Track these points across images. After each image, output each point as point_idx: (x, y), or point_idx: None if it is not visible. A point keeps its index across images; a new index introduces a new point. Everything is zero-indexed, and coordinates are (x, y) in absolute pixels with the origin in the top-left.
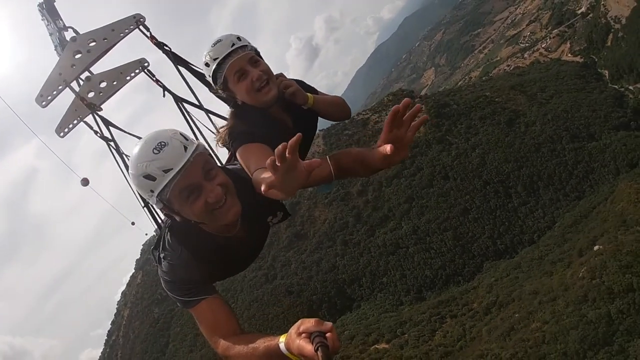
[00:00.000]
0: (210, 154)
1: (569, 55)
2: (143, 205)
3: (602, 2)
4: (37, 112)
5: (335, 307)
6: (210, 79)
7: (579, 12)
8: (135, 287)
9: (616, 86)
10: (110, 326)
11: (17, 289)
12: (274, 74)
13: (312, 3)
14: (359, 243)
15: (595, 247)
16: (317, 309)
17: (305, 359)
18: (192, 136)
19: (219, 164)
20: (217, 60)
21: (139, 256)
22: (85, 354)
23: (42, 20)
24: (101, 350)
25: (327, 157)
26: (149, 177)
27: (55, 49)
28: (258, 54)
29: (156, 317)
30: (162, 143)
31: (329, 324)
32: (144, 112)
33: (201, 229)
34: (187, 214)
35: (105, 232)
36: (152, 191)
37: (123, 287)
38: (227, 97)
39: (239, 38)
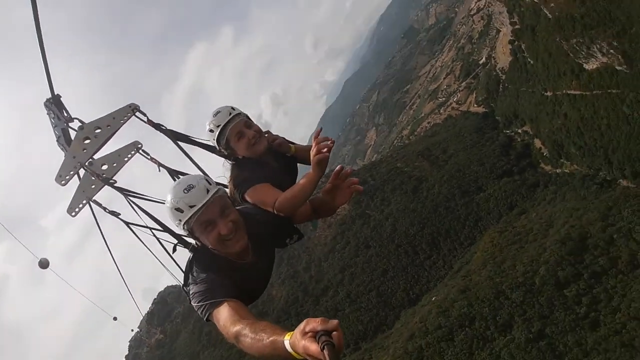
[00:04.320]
0: (227, 197)
1: (475, 106)
2: (176, 241)
3: (492, 55)
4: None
5: None
6: (214, 142)
7: (481, 62)
8: None
9: (508, 131)
10: None
11: None
12: (263, 131)
13: (254, 84)
14: (308, 313)
15: (433, 298)
16: None
17: (311, 358)
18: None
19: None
20: (220, 127)
21: (127, 353)
22: None
23: (47, 114)
24: None
25: (307, 200)
26: (178, 209)
27: (57, 141)
28: (249, 118)
29: None
30: (191, 185)
31: (334, 322)
32: (144, 184)
33: (222, 256)
34: (204, 241)
35: (83, 331)
36: (180, 220)
37: None
38: (229, 154)
39: (233, 108)
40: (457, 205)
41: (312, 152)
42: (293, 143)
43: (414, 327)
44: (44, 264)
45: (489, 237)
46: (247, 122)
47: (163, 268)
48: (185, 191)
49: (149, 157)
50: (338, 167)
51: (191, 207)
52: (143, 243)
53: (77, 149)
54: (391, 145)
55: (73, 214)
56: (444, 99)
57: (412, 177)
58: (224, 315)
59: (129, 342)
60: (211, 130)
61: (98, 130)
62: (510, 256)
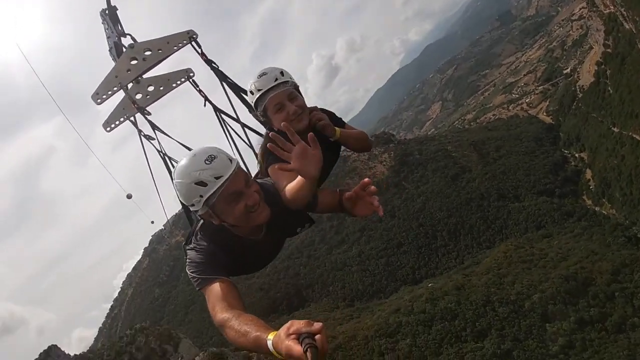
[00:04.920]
0: (244, 168)
1: (544, 114)
2: (182, 208)
3: (578, 69)
4: (59, 93)
5: (292, 304)
6: (252, 104)
7: (565, 72)
8: (141, 271)
9: (566, 152)
10: (112, 303)
11: (21, 259)
12: (309, 106)
13: (336, 23)
14: (319, 258)
15: (429, 285)
16: (279, 304)
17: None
18: (227, 145)
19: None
20: (261, 92)
21: (147, 245)
22: (77, 333)
23: (102, 23)
24: (92, 331)
25: (338, 189)
26: (201, 183)
27: (109, 51)
28: (297, 88)
29: (156, 296)
30: (212, 155)
31: (318, 325)
32: (183, 120)
33: (231, 232)
34: (227, 216)
35: (111, 218)
36: (201, 196)
37: (123, 273)
38: (265, 122)
39: (282, 73)
40: (489, 206)
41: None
42: (342, 123)
43: (402, 303)
44: (129, 197)
45: (504, 247)
46: (292, 93)
47: None
48: (208, 162)
49: (197, 88)
50: (366, 180)
51: (217, 178)
52: (170, 175)
53: (122, 68)
54: (450, 125)
55: (108, 129)
56: (517, 96)
57: (457, 164)
58: (213, 296)
59: (152, 236)
60: (251, 92)
61: (148, 53)
62: (513, 272)
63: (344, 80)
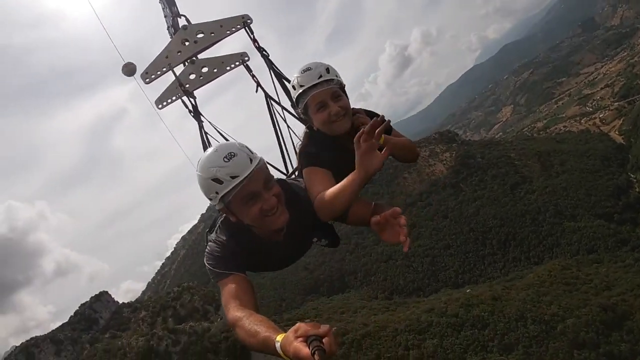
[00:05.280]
0: (267, 167)
1: (616, 132)
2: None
3: None
4: (137, 58)
5: (333, 288)
6: (294, 100)
7: None
8: (196, 235)
9: (632, 176)
10: (164, 261)
11: (84, 210)
12: (354, 108)
13: (413, 13)
14: (366, 247)
15: (467, 290)
16: (320, 285)
17: None
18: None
19: (279, 176)
20: (303, 88)
21: (204, 212)
22: (126, 285)
23: (159, 3)
24: (141, 285)
25: (373, 202)
26: (217, 180)
27: (167, 29)
28: (342, 88)
29: None
30: (232, 153)
31: (326, 327)
32: (231, 103)
33: (250, 230)
34: (242, 216)
35: (173, 181)
36: (217, 193)
37: (178, 234)
38: (305, 119)
39: (327, 70)
40: (544, 221)
41: (361, 151)
42: (389, 129)
43: (437, 304)
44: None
45: (550, 266)
46: (335, 92)
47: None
48: (226, 160)
49: (250, 73)
50: (397, 209)
51: (233, 177)
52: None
53: (173, 49)
54: (519, 131)
55: (160, 106)
56: (591, 109)
57: (518, 173)
58: (227, 292)
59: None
60: (294, 87)
61: (200, 35)
62: (554, 293)
63: (415, 72)
